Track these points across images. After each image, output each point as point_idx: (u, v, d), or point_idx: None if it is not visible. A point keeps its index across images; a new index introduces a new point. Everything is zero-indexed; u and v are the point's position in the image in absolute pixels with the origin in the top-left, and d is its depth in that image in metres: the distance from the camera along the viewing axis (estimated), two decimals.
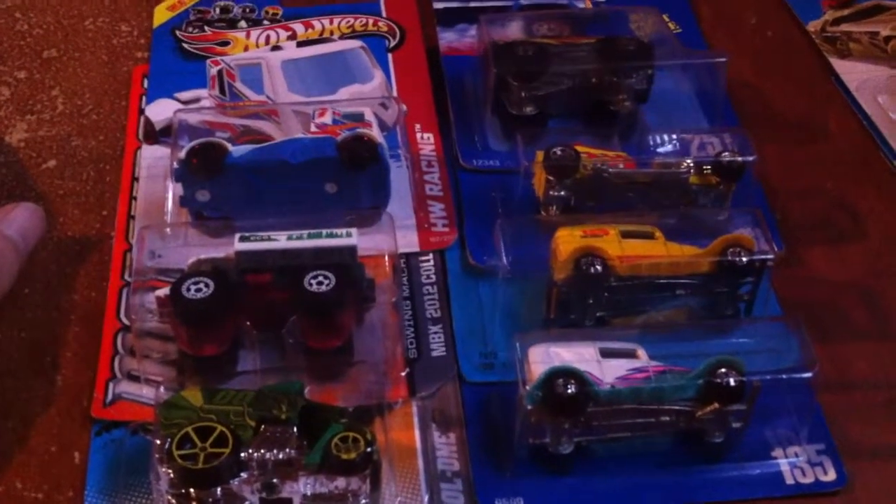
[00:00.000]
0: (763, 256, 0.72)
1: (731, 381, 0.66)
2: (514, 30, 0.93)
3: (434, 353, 0.74)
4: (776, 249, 0.74)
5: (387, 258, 0.74)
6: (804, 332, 0.69)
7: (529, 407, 0.65)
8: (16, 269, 0.72)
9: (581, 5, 1.00)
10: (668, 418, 0.67)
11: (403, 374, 0.73)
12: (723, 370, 0.66)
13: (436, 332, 0.75)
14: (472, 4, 0.99)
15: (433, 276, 0.79)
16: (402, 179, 0.83)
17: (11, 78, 0.93)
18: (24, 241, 0.73)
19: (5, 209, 0.74)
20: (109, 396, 0.71)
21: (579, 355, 0.67)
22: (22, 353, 0.74)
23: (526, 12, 0.97)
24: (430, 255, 0.80)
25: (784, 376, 0.67)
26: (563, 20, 0.95)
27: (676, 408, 0.67)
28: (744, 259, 0.72)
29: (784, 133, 0.91)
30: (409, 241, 0.80)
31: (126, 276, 0.77)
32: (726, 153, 0.79)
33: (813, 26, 1.00)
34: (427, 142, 0.88)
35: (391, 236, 0.75)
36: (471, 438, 0.70)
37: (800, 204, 0.85)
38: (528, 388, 0.65)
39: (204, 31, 0.96)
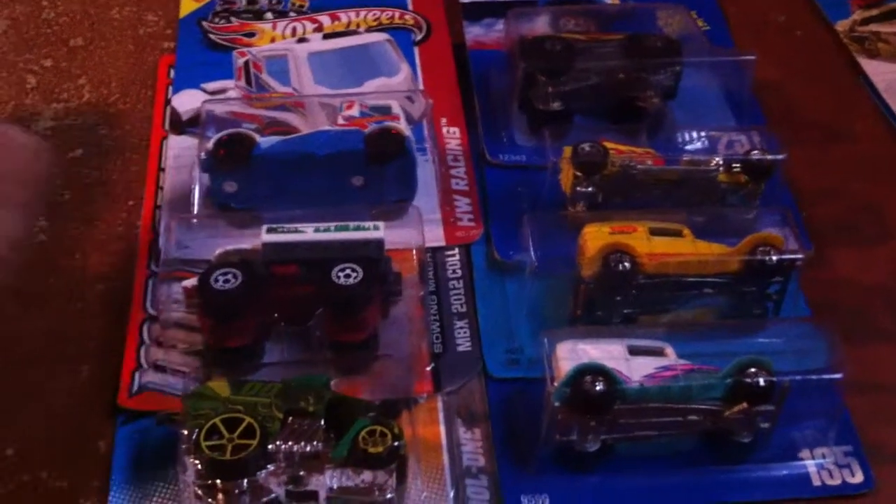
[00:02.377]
0: (793, 256, 0.72)
1: (761, 381, 0.65)
2: (540, 25, 0.93)
3: (459, 349, 0.74)
4: (806, 249, 0.74)
5: (414, 252, 0.74)
6: (833, 334, 0.68)
7: (557, 404, 0.65)
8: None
9: (608, 1, 1.00)
10: (695, 417, 0.67)
11: (429, 368, 0.72)
12: (752, 370, 0.66)
13: (461, 327, 0.75)
14: None
15: (459, 271, 0.78)
16: (427, 173, 0.83)
17: (38, 66, 0.93)
18: None
19: None
20: (135, 386, 0.71)
21: (607, 352, 0.67)
22: (47, 343, 0.74)
23: (553, 7, 0.96)
24: (456, 250, 0.80)
25: (814, 377, 0.67)
26: (590, 16, 0.94)
27: (704, 407, 0.66)
28: (773, 258, 0.72)
29: (811, 133, 0.90)
30: (434, 236, 0.80)
31: (152, 266, 0.77)
32: (756, 151, 0.78)
33: (841, 26, 0.99)
34: (453, 136, 0.87)
35: (418, 230, 0.75)
36: (496, 435, 0.70)
37: (826, 205, 0.84)
38: (555, 384, 0.65)
39: (230, 21, 0.96)
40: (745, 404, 0.66)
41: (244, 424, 0.62)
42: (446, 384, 0.72)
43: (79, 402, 0.71)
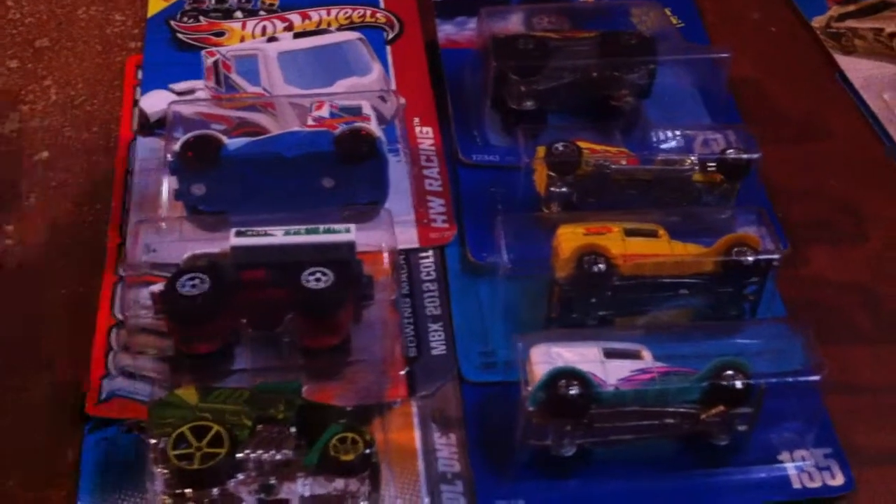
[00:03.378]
0: (769, 256, 0.71)
1: (737, 384, 0.64)
2: (513, 23, 0.92)
3: (434, 352, 0.73)
4: (782, 248, 0.73)
5: (385, 254, 0.73)
6: (811, 335, 0.68)
7: (531, 408, 0.64)
8: None
9: None
10: (672, 421, 0.66)
11: (403, 372, 0.71)
12: (729, 372, 0.65)
13: (436, 331, 0.74)
14: None
15: (433, 273, 0.77)
16: (400, 174, 0.81)
17: (3, 67, 0.91)
18: None
19: None
20: (103, 393, 0.70)
21: (582, 356, 0.66)
22: (13, 349, 0.72)
23: (526, 6, 0.95)
24: (430, 252, 0.79)
25: (791, 379, 0.66)
26: (564, 14, 0.93)
27: (681, 410, 0.65)
28: (750, 259, 0.71)
29: (787, 131, 0.90)
30: (408, 237, 0.79)
31: (120, 271, 0.76)
32: (731, 150, 0.77)
33: (817, 22, 0.98)
34: (426, 136, 0.86)
35: (390, 232, 0.74)
36: (471, 439, 0.69)
37: (802, 204, 0.84)
38: (530, 389, 0.64)
39: (199, 21, 0.95)
40: (721, 407, 0.65)
41: (213, 432, 0.61)
42: (420, 388, 0.71)
43: (46, 409, 0.70)
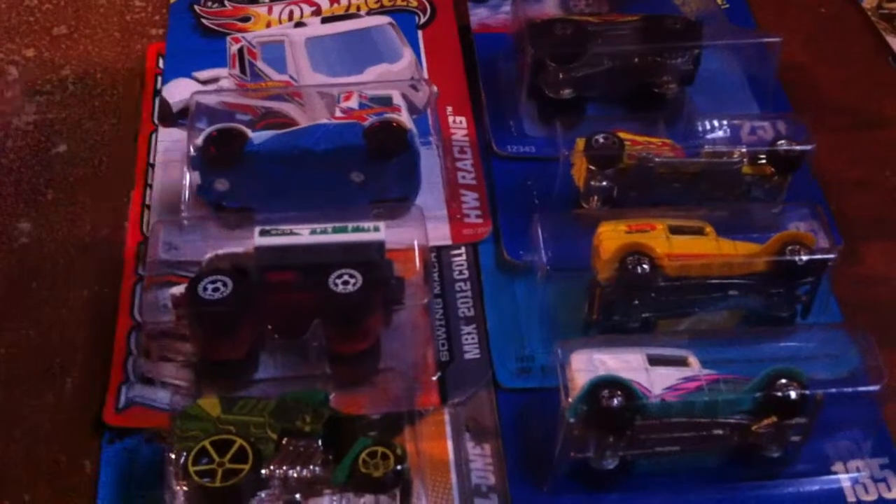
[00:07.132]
0: (824, 256, 0.67)
1: (792, 394, 0.61)
2: (550, 6, 0.89)
3: (467, 356, 0.69)
4: (836, 245, 0.69)
5: (417, 253, 0.69)
6: (871, 342, 0.64)
7: (572, 420, 0.60)
8: None
9: None
10: (721, 432, 0.62)
11: (434, 378, 0.68)
12: (782, 381, 0.61)
13: (469, 333, 0.70)
14: None
15: (466, 272, 0.74)
16: (432, 166, 0.78)
17: (19, 56, 0.88)
18: None
19: None
20: (122, 401, 0.67)
21: (626, 363, 0.62)
22: (29, 355, 0.69)
23: None
24: (463, 249, 0.75)
25: (849, 389, 0.62)
26: None
27: (731, 421, 0.62)
28: (804, 258, 0.67)
29: (838, 119, 0.86)
30: (440, 234, 0.75)
31: (140, 271, 0.73)
32: (783, 141, 0.73)
33: (868, 3, 0.94)
34: (459, 126, 0.83)
35: (421, 229, 0.71)
36: (507, 450, 0.65)
37: (856, 196, 0.80)
38: (570, 399, 0.60)
39: (224, 5, 0.91)
40: (774, 418, 0.61)
41: (236, 447, 0.58)
42: (453, 395, 0.67)
43: (63, 418, 0.67)
